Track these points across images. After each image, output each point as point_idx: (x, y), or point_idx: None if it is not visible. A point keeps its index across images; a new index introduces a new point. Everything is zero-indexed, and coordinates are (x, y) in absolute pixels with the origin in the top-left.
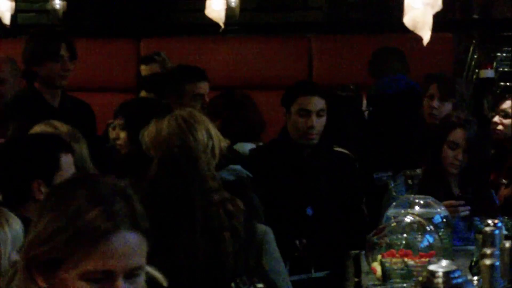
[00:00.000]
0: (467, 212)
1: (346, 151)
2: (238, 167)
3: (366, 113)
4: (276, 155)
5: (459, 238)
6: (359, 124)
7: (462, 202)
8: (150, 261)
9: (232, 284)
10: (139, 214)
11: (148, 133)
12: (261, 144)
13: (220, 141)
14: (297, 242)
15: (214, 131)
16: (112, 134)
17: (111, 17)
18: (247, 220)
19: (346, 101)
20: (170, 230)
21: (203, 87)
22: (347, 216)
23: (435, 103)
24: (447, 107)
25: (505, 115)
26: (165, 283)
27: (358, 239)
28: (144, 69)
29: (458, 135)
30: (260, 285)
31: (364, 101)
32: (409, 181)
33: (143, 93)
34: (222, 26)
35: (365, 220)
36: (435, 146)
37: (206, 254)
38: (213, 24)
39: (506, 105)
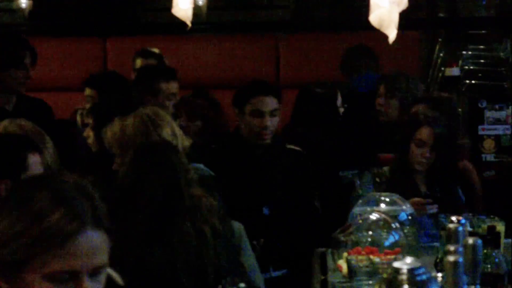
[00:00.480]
0: (435, 210)
1: (298, 148)
2: (201, 165)
3: (341, 110)
4: (229, 156)
5: (427, 235)
6: (334, 121)
7: (430, 200)
8: (152, 250)
9: (220, 286)
10: (102, 212)
11: (112, 131)
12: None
13: (183, 140)
14: (255, 242)
15: (177, 129)
16: (80, 120)
17: (78, 16)
18: (222, 217)
19: (322, 98)
20: (162, 221)
21: (176, 86)
22: (301, 213)
23: (381, 100)
24: (393, 103)
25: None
26: (121, 282)
27: (313, 235)
28: (140, 63)
29: (425, 133)
30: (242, 285)
31: (339, 98)
32: (377, 179)
33: (88, 91)
34: (189, 25)
35: (318, 215)
36: (403, 144)
37: (196, 247)
38: (180, 23)
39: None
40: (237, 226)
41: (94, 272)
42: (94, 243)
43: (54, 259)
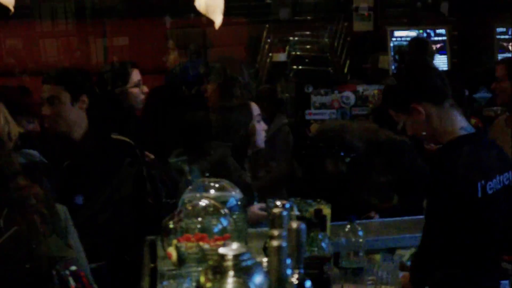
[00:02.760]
0: None
1: (124, 139)
2: (33, 151)
3: None
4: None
5: None
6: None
7: None
8: None
9: (53, 272)
10: None
11: None
12: None
13: (14, 127)
14: None
15: (8, 116)
16: None
17: None
18: (49, 203)
19: None
20: None
21: None
22: (122, 204)
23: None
24: (210, 88)
25: None
26: None
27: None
28: None
29: None
30: (73, 267)
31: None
32: None
33: None
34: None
35: (149, 206)
36: None
37: (27, 238)
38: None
39: None
40: (61, 208)
41: None
42: None
43: None
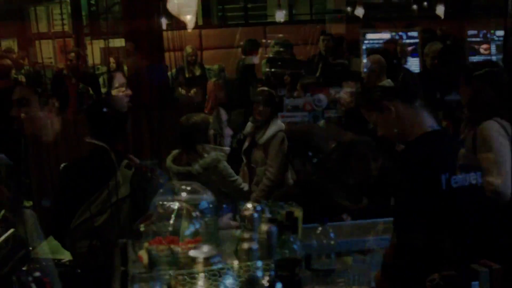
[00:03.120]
0: None
1: (98, 142)
2: (1, 155)
3: None
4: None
5: None
6: None
7: None
8: None
9: (14, 278)
10: None
11: None
12: None
13: None
14: None
15: None
16: None
17: None
18: (15, 206)
19: None
20: None
21: None
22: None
23: None
24: (178, 91)
25: None
26: None
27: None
28: None
29: None
30: (37, 274)
31: None
32: None
33: None
34: None
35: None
36: None
37: (17, 241)
38: None
39: None
40: (29, 213)
41: None
42: None
43: None
